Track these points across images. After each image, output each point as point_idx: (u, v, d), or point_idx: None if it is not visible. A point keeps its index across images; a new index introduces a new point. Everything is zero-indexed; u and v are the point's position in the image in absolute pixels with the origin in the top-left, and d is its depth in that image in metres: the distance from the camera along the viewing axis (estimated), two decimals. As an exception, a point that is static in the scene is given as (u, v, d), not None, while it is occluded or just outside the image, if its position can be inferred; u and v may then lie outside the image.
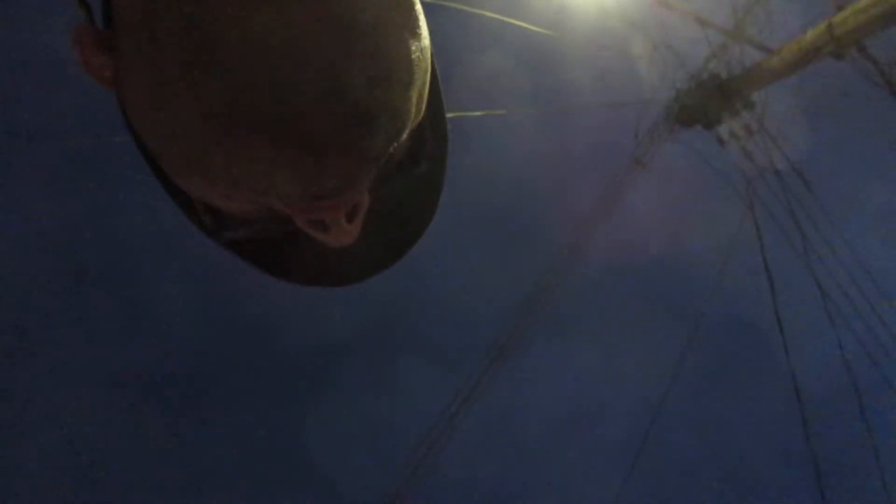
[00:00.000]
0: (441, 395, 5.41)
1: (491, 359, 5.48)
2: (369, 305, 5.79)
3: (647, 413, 5.79)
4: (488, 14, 4.99)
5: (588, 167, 6.11)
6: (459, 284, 6.00)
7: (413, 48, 0.34)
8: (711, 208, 6.38)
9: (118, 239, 5.22)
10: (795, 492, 5.90)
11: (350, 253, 0.41)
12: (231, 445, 5.34)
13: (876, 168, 6.80)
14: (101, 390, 5.05)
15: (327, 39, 0.30)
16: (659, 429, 5.73)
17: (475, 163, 6.08)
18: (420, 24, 0.36)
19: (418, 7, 0.36)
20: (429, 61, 0.38)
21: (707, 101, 5.07)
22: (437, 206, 0.47)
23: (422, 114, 0.38)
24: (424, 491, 5.14)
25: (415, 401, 5.65)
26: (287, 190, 0.32)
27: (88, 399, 4.94)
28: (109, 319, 5.14)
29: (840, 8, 4.11)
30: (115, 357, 5.09)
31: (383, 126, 0.32)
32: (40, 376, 4.88)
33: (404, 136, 0.35)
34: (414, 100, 0.35)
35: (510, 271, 6.00)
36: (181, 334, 5.34)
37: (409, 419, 5.58)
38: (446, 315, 6.02)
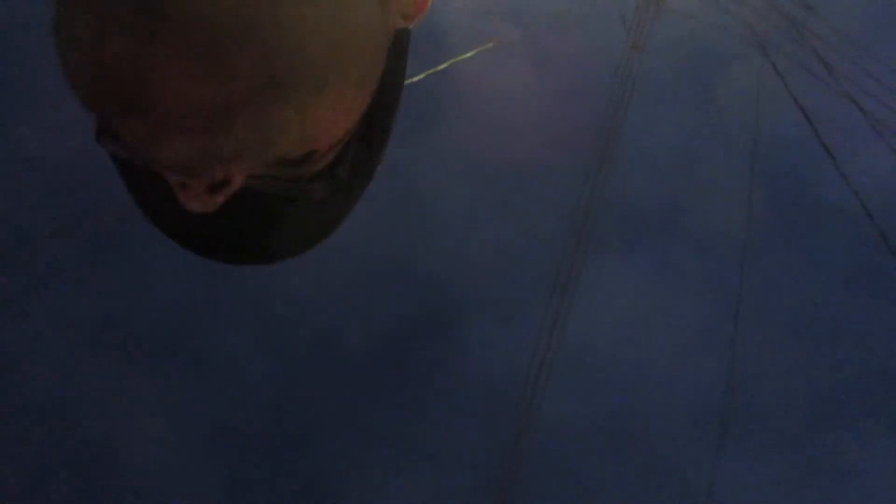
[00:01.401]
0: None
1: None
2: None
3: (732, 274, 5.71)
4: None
5: (590, 74, 6.02)
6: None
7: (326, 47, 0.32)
8: (724, 72, 6.21)
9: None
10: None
11: (222, 226, 0.40)
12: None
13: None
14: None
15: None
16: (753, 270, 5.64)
17: (481, 105, 6.09)
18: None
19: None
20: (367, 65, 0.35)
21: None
22: (347, 214, 0.45)
23: (343, 136, 0.36)
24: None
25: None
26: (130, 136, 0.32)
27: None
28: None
29: None
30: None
31: (246, 117, 0.31)
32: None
33: (281, 143, 0.32)
34: (316, 111, 0.33)
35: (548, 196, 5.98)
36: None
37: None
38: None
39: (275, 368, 5.43)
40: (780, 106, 5.96)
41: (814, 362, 5.70)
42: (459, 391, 5.50)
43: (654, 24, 5.76)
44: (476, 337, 5.57)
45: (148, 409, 5.11)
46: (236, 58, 0.29)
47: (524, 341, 5.27)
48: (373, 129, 0.40)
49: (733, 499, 5.38)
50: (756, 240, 5.55)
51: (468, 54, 5.57)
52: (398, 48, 0.39)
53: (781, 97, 5.89)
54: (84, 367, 5.08)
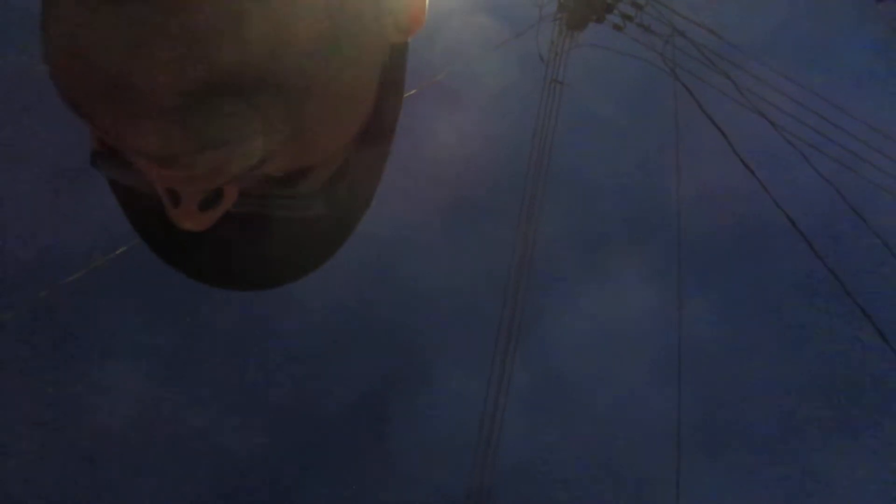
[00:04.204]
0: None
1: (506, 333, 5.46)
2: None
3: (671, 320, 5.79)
4: None
5: (511, 105, 6.09)
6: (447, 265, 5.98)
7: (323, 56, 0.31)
8: (643, 94, 6.39)
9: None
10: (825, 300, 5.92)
11: (219, 250, 0.38)
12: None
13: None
14: None
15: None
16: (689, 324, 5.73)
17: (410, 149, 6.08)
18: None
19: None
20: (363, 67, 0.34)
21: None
22: (317, 259, 0.43)
23: (339, 151, 0.35)
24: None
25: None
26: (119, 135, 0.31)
27: None
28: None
29: None
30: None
31: (227, 111, 0.29)
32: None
33: (265, 140, 0.31)
34: (311, 114, 0.32)
35: (483, 241, 5.98)
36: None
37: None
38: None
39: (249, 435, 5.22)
40: (698, 125, 6.17)
41: (776, 375, 5.81)
42: (426, 443, 5.38)
43: (569, 56, 5.89)
44: (443, 385, 5.48)
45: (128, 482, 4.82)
46: (221, 43, 0.28)
47: (483, 386, 5.22)
48: (370, 145, 0.39)
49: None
50: (694, 265, 5.67)
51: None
52: (395, 62, 0.38)
53: (698, 118, 6.10)
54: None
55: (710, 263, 6.00)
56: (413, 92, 5.53)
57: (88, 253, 5.21)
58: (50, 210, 5.23)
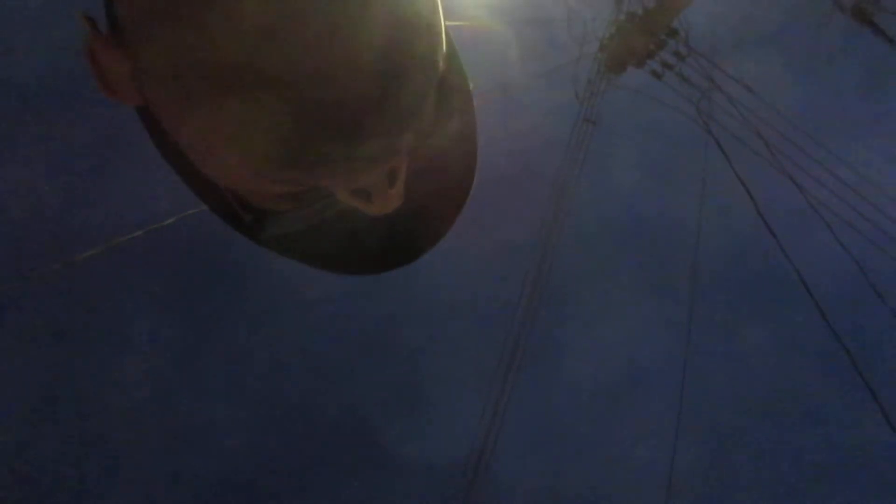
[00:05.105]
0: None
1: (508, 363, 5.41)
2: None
3: (676, 368, 5.70)
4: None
5: (541, 140, 6.10)
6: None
7: None
8: (673, 144, 6.36)
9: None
10: (840, 387, 5.79)
11: (392, 226, 0.41)
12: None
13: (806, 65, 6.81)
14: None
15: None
16: (694, 376, 5.63)
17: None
18: None
19: None
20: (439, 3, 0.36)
21: (630, 41, 5.09)
22: (477, 158, 0.47)
23: (442, 65, 0.36)
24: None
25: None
26: (332, 155, 0.31)
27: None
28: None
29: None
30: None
31: (413, 78, 0.31)
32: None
33: (433, 88, 0.33)
34: (438, 48, 0.33)
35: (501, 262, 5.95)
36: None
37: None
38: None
39: (249, 441, 5.20)
40: (726, 182, 6.11)
41: (784, 439, 5.68)
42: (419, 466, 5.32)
43: (604, 97, 5.89)
44: (439, 411, 5.44)
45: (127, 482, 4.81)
46: (416, 52, 0.30)
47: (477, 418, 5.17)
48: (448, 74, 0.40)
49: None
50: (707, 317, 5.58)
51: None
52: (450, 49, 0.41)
53: (727, 175, 6.04)
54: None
55: (723, 317, 5.91)
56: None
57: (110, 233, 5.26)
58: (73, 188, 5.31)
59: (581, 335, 5.70)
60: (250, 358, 5.37)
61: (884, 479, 5.65)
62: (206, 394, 5.19)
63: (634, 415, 5.52)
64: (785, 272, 5.54)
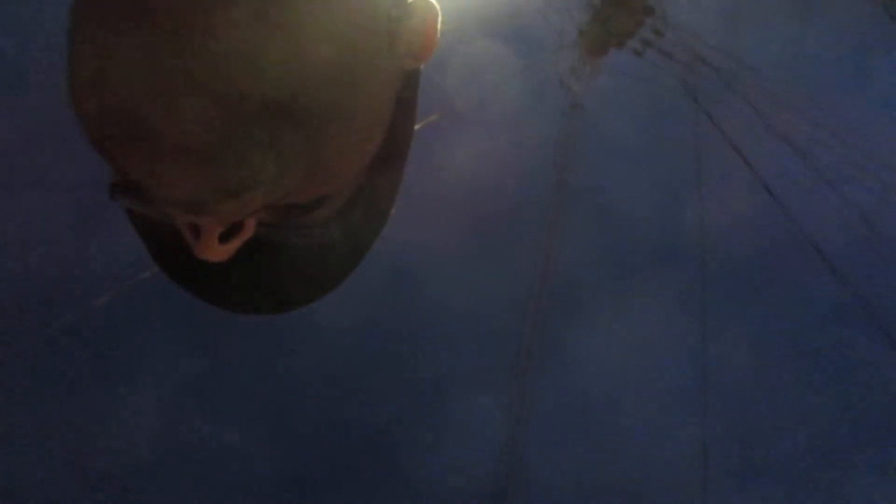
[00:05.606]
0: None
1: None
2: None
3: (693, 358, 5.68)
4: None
5: (527, 130, 6.08)
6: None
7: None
8: (662, 122, 6.34)
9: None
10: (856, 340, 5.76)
11: (233, 277, 0.39)
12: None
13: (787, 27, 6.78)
14: None
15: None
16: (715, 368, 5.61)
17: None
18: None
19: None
20: (376, 119, 0.34)
21: (607, 23, 5.09)
22: (332, 282, 0.44)
23: (354, 177, 0.35)
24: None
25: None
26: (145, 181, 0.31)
27: None
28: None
29: None
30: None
31: (248, 163, 0.29)
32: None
33: (284, 187, 0.31)
34: (322, 160, 0.32)
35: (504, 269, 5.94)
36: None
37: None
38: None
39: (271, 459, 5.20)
40: (719, 149, 6.09)
41: (805, 404, 5.66)
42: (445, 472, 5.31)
43: (590, 81, 5.88)
44: (462, 413, 5.42)
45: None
46: (243, 84, 0.28)
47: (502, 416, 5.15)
48: (384, 170, 0.39)
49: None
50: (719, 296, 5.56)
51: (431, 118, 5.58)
52: (408, 89, 0.38)
53: (721, 146, 6.02)
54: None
55: (735, 291, 5.89)
56: (432, 118, 5.55)
57: (118, 275, 5.27)
58: (79, 229, 5.31)
59: (589, 328, 5.69)
60: (268, 381, 5.39)
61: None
62: (223, 422, 5.20)
63: (661, 395, 5.50)
64: (793, 237, 5.52)
